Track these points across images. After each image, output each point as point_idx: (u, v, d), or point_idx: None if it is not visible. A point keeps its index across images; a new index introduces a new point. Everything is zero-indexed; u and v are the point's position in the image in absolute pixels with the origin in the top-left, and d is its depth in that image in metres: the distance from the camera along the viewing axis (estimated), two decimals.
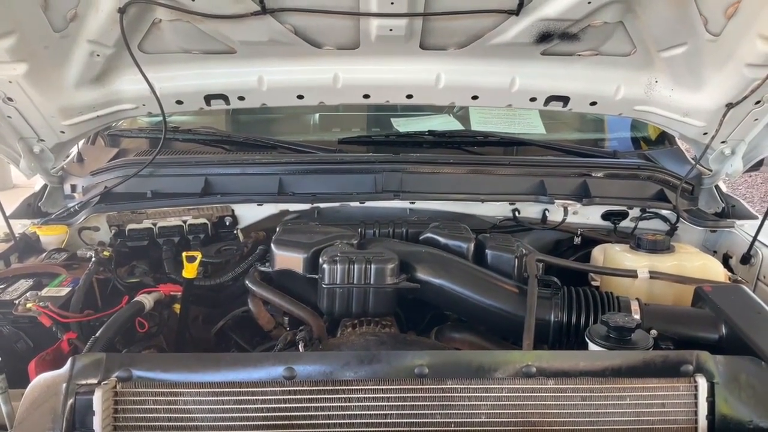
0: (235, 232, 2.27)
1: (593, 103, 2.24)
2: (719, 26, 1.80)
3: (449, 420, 1.27)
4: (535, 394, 1.28)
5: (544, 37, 1.96)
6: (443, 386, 1.28)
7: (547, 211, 2.31)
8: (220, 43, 2.01)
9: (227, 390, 1.26)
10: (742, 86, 1.95)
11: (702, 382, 1.28)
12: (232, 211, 2.26)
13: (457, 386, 1.28)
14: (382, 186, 2.32)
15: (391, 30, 1.90)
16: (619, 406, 1.28)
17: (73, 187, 2.43)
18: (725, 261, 2.28)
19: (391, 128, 2.81)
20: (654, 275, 1.86)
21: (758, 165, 2.43)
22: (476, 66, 2.11)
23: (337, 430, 1.27)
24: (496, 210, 2.32)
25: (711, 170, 2.37)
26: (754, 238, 2.16)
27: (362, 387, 1.28)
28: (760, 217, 2.22)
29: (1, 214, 2.09)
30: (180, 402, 1.26)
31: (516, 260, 1.86)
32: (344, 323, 1.79)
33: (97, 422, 1.21)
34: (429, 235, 1.99)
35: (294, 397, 1.27)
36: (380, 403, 1.27)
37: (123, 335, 1.75)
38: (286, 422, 1.26)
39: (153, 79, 2.05)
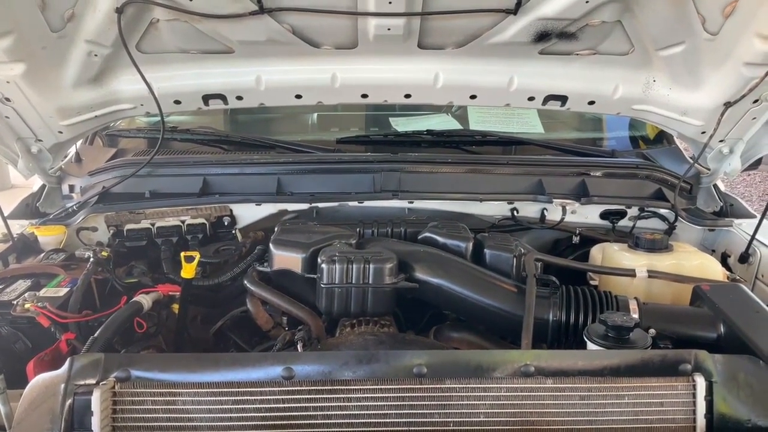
0: (233, 232, 2.27)
1: (591, 103, 2.24)
2: (717, 25, 1.80)
3: (448, 419, 1.28)
4: (533, 394, 1.28)
5: (542, 37, 1.96)
6: (442, 386, 1.28)
7: (545, 211, 2.31)
8: (218, 42, 2.01)
9: (226, 390, 1.26)
10: (740, 85, 1.95)
11: (700, 381, 1.29)
12: (231, 211, 2.26)
13: (455, 386, 1.28)
14: (381, 186, 2.32)
15: (389, 29, 1.90)
16: (617, 405, 1.28)
17: (71, 188, 2.43)
18: (723, 260, 2.28)
19: (389, 128, 2.81)
20: (652, 274, 1.87)
21: (756, 164, 2.43)
22: (474, 65, 2.11)
23: (335, 429, 1.27)
24: (494, 209, 2.32)
25: (709, 169, 2.38)
26: (753, 237, 2.17)
27: (361, 387, 1.28)
28: (759, 216, 2.22)
29: None
30: (179, 402, 1.26)
31: (514, 259, 1.86)
32: (343, 323, 1.79)
33: (95, 423, 1.21)
34: (427, 234, 1.99)
35: (292, 397, 1.27)
36: (379, 403, 1.27)
37: (121, 335, 1.75)
38: (284, 422, 1.26)
39: (151, 79, 2.05)
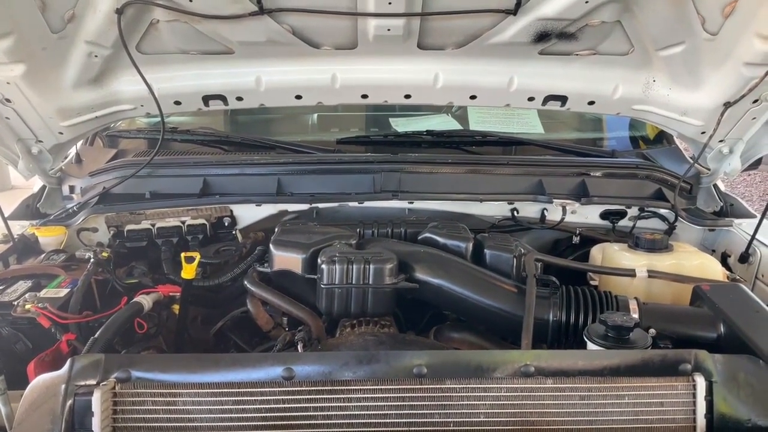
0: (233, 232, 2.27)
1: (591, 103, 2.24)
2: (717, 25, 1.81)
3: (448, 420, 1.28)
4: (533, 394, 1.28)
5: (542, 37, 1.96)
6: (442, 386, 1.28)
7: (545, 211, 2.31)
8: (217, 43, 2.01)
9: (226, 390, 1.27)
10: (739, 85, 1.95)
11: (700, 381, 1.29)
12: (231, 211, 2.26)
13: (455, 386, 1.28)
14: (381, 186, 2.32)
15: (388, 30, 1.90)
16: (617, 405, 1.29)
17: (72, 188, 2.43)
18: (723, 260, 2.28)
19: (389, 128, 2.81)
20: (652, 274, 1.87)
21: (756, 164, 2.42)
22: (474, 66, 2.11)
23: (335, 430, 1.27)
24: (494, 209, 2.32)
25: (709, 169, 2.38)
26: (753, 237, 2.17)
27: (361, 387, 1.28)
28: (759, 216, 2.22)
29: None
30: (179, 403, 1.26)
31: (514, 260, 1.86)
32: (343, 323, 1.79)
33: (96, 423, 1.22)
34: (427, 234, 1.99)
35: (293, 397, 1.27)
36: (379, 403, 1.27)
37: (122, 336, 1.75)
38: (284, 422, 1.26)
39: (151, 79, 2.05)
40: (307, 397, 1.27)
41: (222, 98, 2.21)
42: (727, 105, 2.02)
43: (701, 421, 1.28)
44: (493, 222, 2.34)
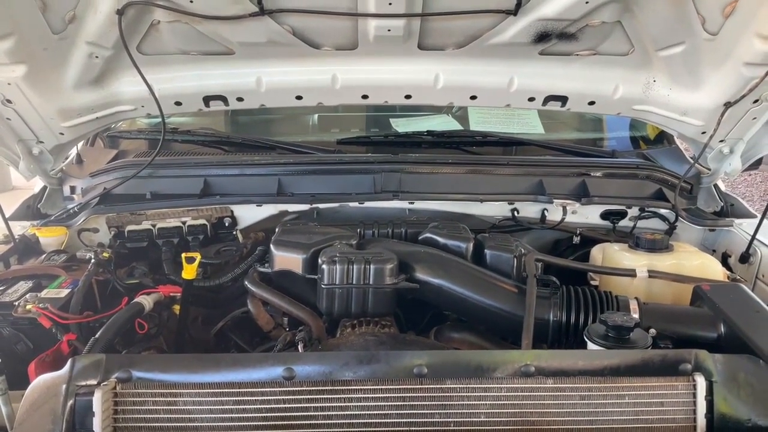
0: (234, 233, 2.27)
1: (591, 103, 2.24)
2: (717, 25, 1.81)
3: (448, 420, 1.28)
4: (534, 394, 1.28)
5: (542, 37, 1.96)
6: (442, 386, 1.28)
7: (546, 211, 2.31)
8: (218, 44, 2.01)
9: (227, 390, 1.27)
10: (740, 85, 1.95)
11: (701, 381, 1.29)
12: (232, 212, 2.27)
13: (456, 386, 1.28)
14: (381, 186, 2.32)
15: (389, 30, 1.90)
16: (617, 405, 1.28)
17: (73, 189, 2.43)
18: (724, 260, 2.28)
19: (389, 128, 2.81)
20: (653, 274, 1.87)
21: (757, 164, 2.43)
22: (475, 66, 2.12)
23: (336, 430, 1.27)
24: (495, 210, 2.33)
25: (710, 169, 2.38)
26: (753, 237, 2.17)
27: (361, 387, 1.28)
28: (759, 216, 2.22)
29: (0, 216, 2.09)
30: (180, 403, 1.26)
31: (515, 260, 1.86)
32: (343, 323, 1.79)
33: (96, 423, 1.22)
34: (428, 235, 2.00)
35: (293, 397, 1.27)
36: (379, 403, 1.27)
37: (122, 336, 1.75)
38: (285, 422, 1.27)
39: (152, 80, 2.06)
40: (307, 397, 1.27)
41: (222, 99, 2.21)
42: (728, 105, 2.02)
43: (701, 420, 1.28)
44: (494, 222, 2.34)
